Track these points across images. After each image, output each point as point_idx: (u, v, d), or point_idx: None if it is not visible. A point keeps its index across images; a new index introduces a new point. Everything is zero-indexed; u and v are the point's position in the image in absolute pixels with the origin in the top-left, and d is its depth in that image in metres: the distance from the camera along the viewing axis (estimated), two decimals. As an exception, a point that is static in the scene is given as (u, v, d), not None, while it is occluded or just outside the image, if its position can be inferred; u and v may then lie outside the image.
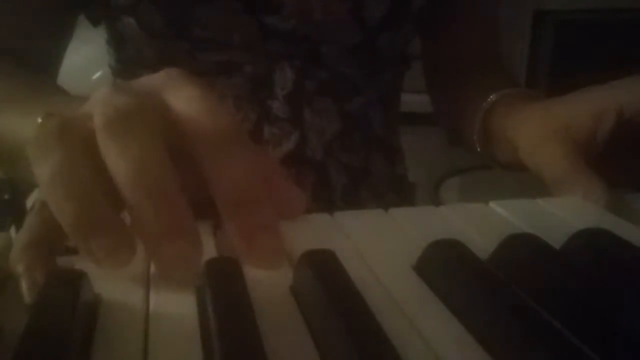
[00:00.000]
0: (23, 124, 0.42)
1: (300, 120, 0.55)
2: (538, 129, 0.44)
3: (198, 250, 0.26)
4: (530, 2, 1.73)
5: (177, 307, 0.25)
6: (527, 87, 0.60)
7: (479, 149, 0.54)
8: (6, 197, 1.15)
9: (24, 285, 0.26)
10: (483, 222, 0.33)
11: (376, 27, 0.56)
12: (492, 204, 0.36)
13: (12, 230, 1.22)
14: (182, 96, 0.30)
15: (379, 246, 0.30)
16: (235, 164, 0.28)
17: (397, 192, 0.65)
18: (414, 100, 0.66)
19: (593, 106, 0.40)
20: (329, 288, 0.24)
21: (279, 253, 0.29)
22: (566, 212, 0.35)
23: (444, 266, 0.27)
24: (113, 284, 0.26)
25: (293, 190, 0.34)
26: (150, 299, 0.25)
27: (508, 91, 0.52)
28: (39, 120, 0.35)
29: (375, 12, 0.55)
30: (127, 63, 0.58)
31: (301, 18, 0.53)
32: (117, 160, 0.26)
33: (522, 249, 0.28)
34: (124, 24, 0.55)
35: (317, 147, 0.56)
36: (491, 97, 0.52)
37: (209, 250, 0.29)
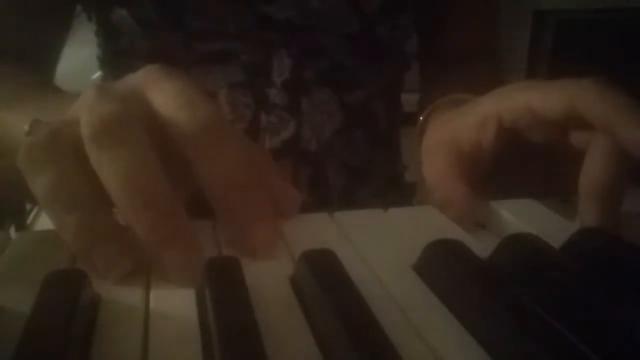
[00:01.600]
0: (15, 123, 0.41)
1: (299, 109, 0.55)
2: (433, 139, 0.44)
3: (197, 253, 0.26)
4: (530, 2, 1.73)
5: (177, 307, 0.25)
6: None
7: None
8: (6, 197, 1.15)
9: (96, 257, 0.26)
10: (483, 222, 0.33)
11: (374, 16, 0.55)
12: (492, 204, 0.36)
13: (12, 230, 1.22)
14: (162, 92, 0.29)
15: (379, 246, 0.30)
16: (219, 155, 0.28)
17: (396, 191, 0.65)
18: (414, 100, 0.65)
19: (477, 116, 0.38)
20: (328, 288, 0.24)
21: (276, 242, 0.29)
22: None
23: (444, 266, 0.27)
24: (113, 284, 0.26)
25: (288, 189, 0.34)
26: (150, 299, 0.25)
27: (442, 101, 0.51)
28: (26, 128, 0.35)
29: (373, 1, 0.55)
30: (119, 54, 0.57)
31: (298, 7, 0.53)
32: (108, 172, 0.26)
33: (522, 249, 0.28)
34: (117, 16, 0.54)
35: (314, 138, 0.55)
36: (426, 111, 0.50)
37: (209, 249, 0.29)
